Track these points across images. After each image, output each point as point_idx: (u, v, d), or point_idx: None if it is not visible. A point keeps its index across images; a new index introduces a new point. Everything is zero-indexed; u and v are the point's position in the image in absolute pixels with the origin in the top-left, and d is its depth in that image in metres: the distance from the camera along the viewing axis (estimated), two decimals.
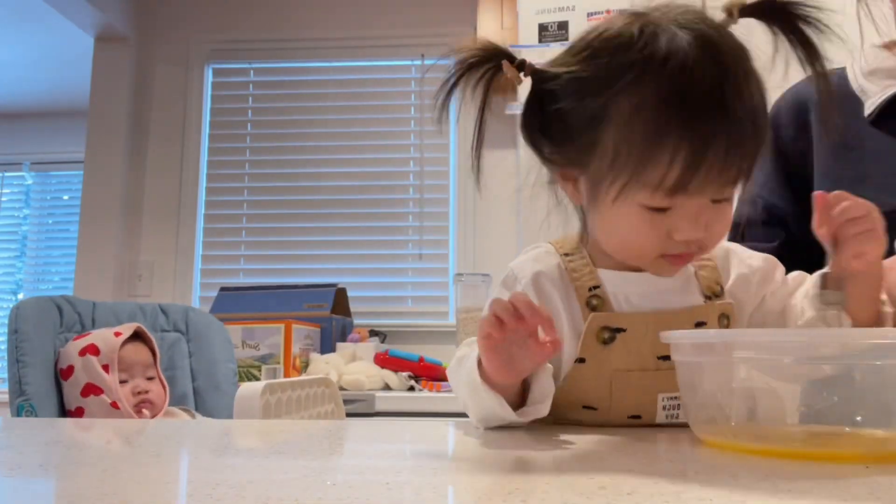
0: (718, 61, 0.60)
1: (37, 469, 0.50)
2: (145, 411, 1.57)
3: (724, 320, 0.71)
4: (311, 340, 2.47)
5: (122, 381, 1.58)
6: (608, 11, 2.08)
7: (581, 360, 0.68)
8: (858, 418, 0.51)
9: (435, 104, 0.68)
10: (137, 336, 1.66)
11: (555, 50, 0.74)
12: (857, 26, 0.94)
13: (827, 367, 0.51)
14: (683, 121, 0.59)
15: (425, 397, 2.17)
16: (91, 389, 1.55)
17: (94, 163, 3.03)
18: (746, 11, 0.66)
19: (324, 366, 2.30)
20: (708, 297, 0.72)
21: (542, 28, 2.12)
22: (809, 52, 0.65)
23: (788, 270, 0.95)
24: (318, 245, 3.02)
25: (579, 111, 0.64)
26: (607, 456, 0.53)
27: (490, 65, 0.68)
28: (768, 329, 0.70)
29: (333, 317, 2.57)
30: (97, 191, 3.00)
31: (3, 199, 4.26)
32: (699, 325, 0.69)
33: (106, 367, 1.56)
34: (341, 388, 2.20)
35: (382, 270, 2.98)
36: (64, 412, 1.59)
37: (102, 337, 1.60)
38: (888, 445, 0.51)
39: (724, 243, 0.77)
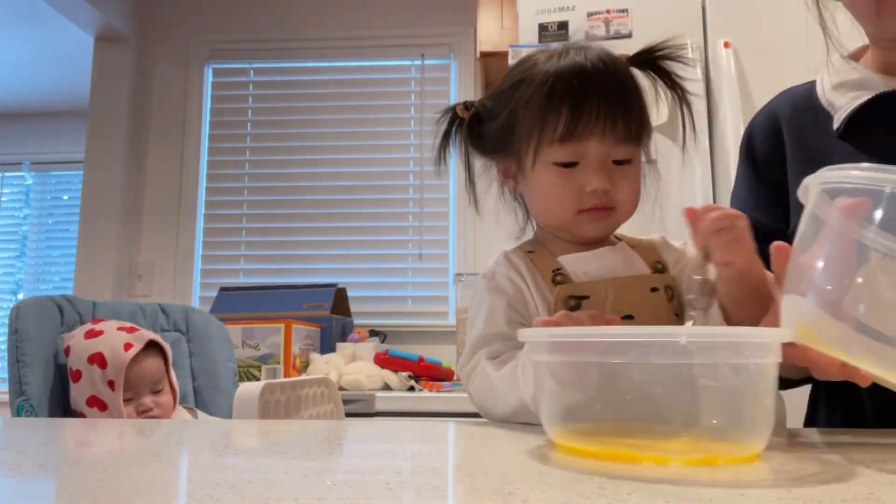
0: (597, 58, 0.81)
1: (37, 469, 0.50)
2: None
3: (670, 291, 0.80)
4: (311, 340, 2.47)
5: (127, 400, 1.51)
6: (608, 11, 2.08)
7: None
8: (694, 419, 0.51)
9: (435, 166, 0.89)
10: (151, 343, 1.58)
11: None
12: (824, 39, 0.94)
13: (663, 368, 0.51)
14: (564, 86, 0.78)
15: (425, 397, 2.17)
16: (95, 402, 1.51)
17: (94, 163, 3.03)
18: (631, 63, 0.85)
19: (324, 366, 2.30)
20: (654, 271, 0.82)
21: (542, 28, 2.12)
22: (673, 84, 0.86)
23: None
24: (318, 245, 3.02)
25: (500, 110, 0.84)
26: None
27: (454, 119, 0.89)
28: (609, 328, 0.72)
29: (333, 317, 2.57)
30: (97, 191, 3.01)
31: (3, 199, 4.26)
32: (653, 290, 0.78)
33: (111, 383, 1.49)
34: (341, 388, 2.20)
35: (382, 270, 2.98)
36: (65, 412, 1.58)
37: (112, 347, 1.51)
38: (721, 451, 0.50)
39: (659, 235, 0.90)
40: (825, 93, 0.95)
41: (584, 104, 0.78)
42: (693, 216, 0.69)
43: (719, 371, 0.51)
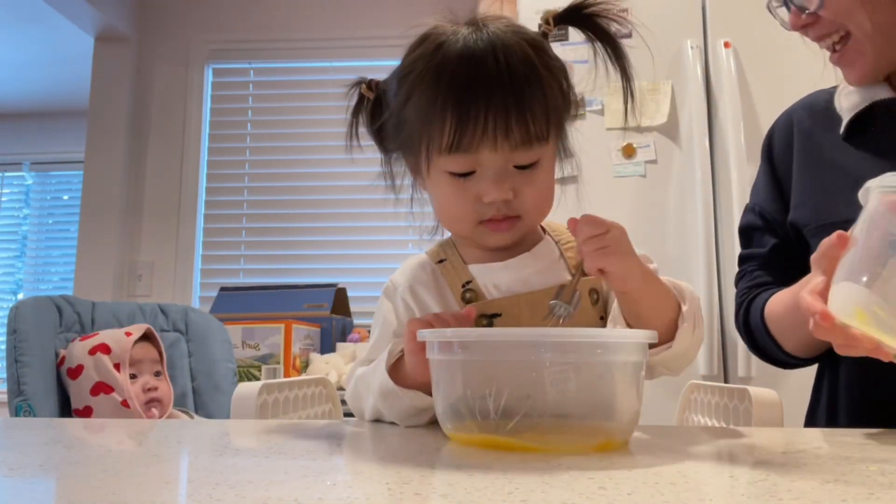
0: (489, 46, 0.70)
1: (37, 469, 0.50)
2: (154, 410, 1.58)
3: (595, 294, 0.77)
4: (311, 340, 2.47)
5: (132, 377, 1.59)
6: None
7: None
8: (583, 411, 0.56)
9: (347, 140, 0.83)
10: (145, 336, 1.67)
11: (556, 49, 0.80)
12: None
13: (551, 364, 0.55)
14: (447, 89, 0.69)
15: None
16: (101, 388, 1.55)
17: (94, 163, 3.03)
18: (559, 19, 0.77)
19: (324, 366, 2.30)
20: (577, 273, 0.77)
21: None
22: (614, 49, 0.76)
23: (778, 274, 1.01)
24: (317, 245, 3.02)
25: (393, 103, 0.76)
26: (607, 456, 0.53)
27: (365, 98, 0.81)
28: (496, 329, 0.74)
29: (333, 317, 2.57)
30: (97, 191, 3.00)
31: (3, 199, 4.26)
32: None
33: (117, 366, 1.56)
34: (341, 388, 2.19)
35: (382, 270, 2.98)
36: (63, 412, 1.59)
37: (113, 337, 1.61)
38: (613, 436, 0.57)
39: None
40: (839, 97, 1.01)
41: (470, 112, 0.68)
42: (572, 226, 0.68)
43: (589, 368, 0.56)
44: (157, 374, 1.65)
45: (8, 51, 3.58)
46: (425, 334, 0.60)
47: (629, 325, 0.72)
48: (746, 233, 1.07)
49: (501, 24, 0.74)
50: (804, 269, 0.96)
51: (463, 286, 0.77)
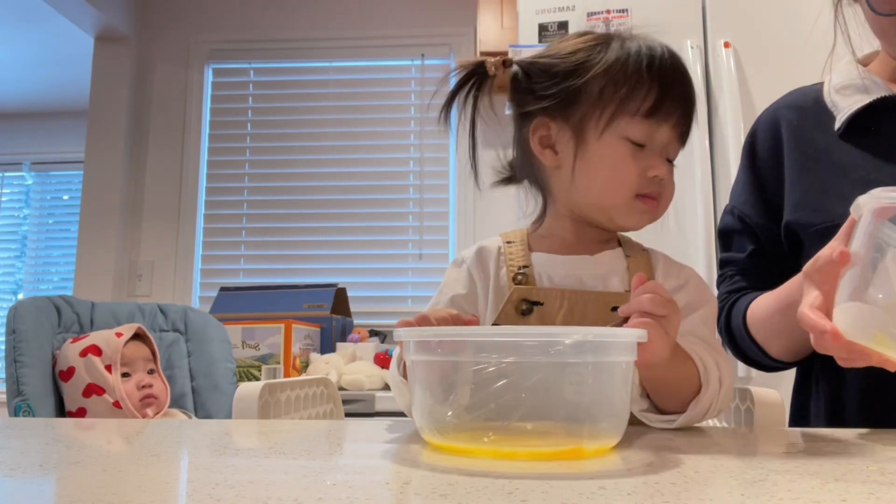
0: (669, 50, 0.82)
1: (37, 469, 0.50)
2: (148, 410, 1.58)
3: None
4: (311, 340, 2.47)
5: (125, 375, 1.59)
6: (608, 12, 2.08)
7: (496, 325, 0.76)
8: (567, 414, 0.53)
9: (438, 117, 0.84)
10: (137, 335, 1.67)
11: None
12: (838, 41, 0.97)
13: (536, 366, 0.52)
14: (659, 63, 0.79)
15: None
16: (93, 390, 1.55)
17: (94, 163, 3.03)
18: None
19: (324, 366, 2.30)
20: (629, 290, 0.75)
21: (542, 28, 2.12)
22: None
23: (754, 280, 0.99)
24: (318, 245, 3.02)
25: (566, 70, 0.80)
26: (607, 456, 0.53)
27: (473, 78, 0.83)
28: (475, 328, 0.71)
29: (333, 317, 2.57)
30: (97, 191, 3.00)
31: (3, 199, 4.25)
32: (614, 310, 0.75)
33: (108, 368, 1.56)
34: (341, 388, 2.19)
35: (382, 270, 2.98)
36: (62, 412, 1.59)
37: (104, 337, 1.61)
38: (600, 439, 0.54)
39: (662, 252, 0.86)
40: (830, 93, 0.98)
41: (672, 86, 0.78)
42: (637, 284, 0.65)
43: (579, 369, 0.53)
44: (151, 371, 1.65)
45: (8, 51, 3.58)
46: (400, 333, 0.58)
47: (643, 388, 0.71)
48: (725, 236, 1.05)
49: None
50: (782, 274, 0.95)
51: (518, 269, 0.80)
